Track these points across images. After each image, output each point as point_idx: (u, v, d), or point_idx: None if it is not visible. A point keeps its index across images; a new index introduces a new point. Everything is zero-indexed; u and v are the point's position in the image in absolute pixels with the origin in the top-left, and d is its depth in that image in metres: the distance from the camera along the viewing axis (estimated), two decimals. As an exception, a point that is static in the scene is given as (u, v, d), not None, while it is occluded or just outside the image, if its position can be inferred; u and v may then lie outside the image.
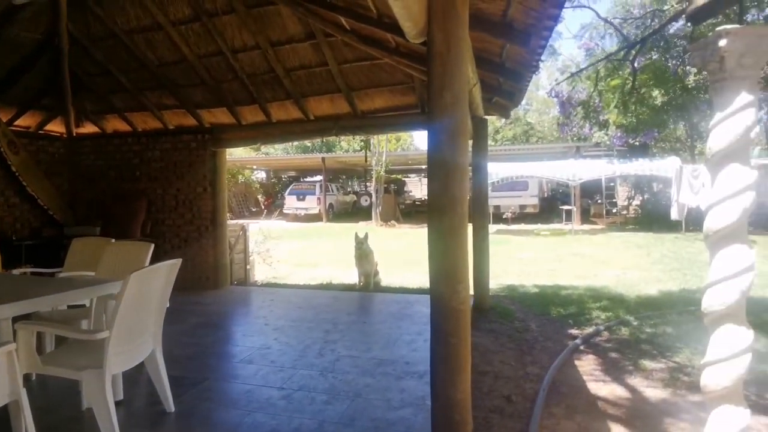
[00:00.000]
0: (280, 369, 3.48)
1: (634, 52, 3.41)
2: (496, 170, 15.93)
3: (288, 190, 23.59)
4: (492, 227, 17.48)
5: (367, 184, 23.59)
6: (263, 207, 25.33)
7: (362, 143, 25.87)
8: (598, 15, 4.04)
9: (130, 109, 6.65)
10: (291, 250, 11.71)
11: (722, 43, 1.95)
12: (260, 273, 7.87)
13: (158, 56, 5.82)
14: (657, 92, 4.03)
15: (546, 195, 21.30)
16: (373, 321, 5.06)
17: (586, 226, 16.91)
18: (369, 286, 6.71)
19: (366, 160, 14.19)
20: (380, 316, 5.30)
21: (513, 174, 15.95)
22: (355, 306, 5.76)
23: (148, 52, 5.77)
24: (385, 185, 21.65)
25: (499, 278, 7.71)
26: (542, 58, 4.90)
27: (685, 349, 4.22)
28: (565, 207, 16.51)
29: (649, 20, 4.00)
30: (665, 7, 3.34)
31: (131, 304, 2.43)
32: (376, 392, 3.11)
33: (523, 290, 6.74)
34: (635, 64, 3.67)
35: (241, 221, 8.85)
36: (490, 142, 31.20)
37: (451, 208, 2.12)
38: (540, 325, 5.06)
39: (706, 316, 2.12)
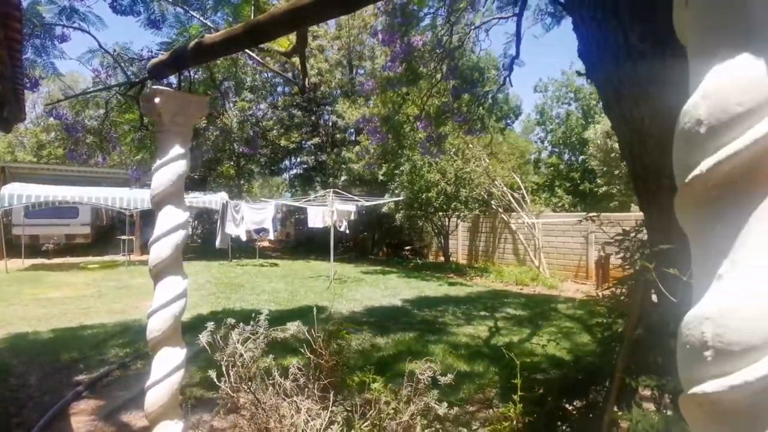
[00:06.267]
0: None
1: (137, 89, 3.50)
2: (33, 193, 13.18)
3: None
4: (26, 262, 14.31)
5: None
6: None
7: None
8: (99, 44, 3.88)
9: None
10: None
11: (157, 100, 2.23)
12: None
13: None
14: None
15: (104, 223, 19.39)
16: None
17: (146, 257, 16.44)
18: None
19: None
20: None
21: (58, 198, 13.67)
22: None
23: None
24: None
25: (11, 326, 6.23)
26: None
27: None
28: (123, 237, 15.48)
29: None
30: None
31: None
32: None
33: (35, 337, 5.66)
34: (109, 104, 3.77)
35: None
36: (31, 158, 25.51)
37: None
38: (42, 378, 4.35)
39: (149, 343, 2.31)
